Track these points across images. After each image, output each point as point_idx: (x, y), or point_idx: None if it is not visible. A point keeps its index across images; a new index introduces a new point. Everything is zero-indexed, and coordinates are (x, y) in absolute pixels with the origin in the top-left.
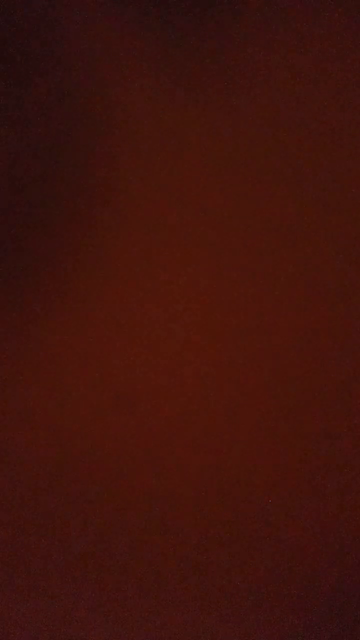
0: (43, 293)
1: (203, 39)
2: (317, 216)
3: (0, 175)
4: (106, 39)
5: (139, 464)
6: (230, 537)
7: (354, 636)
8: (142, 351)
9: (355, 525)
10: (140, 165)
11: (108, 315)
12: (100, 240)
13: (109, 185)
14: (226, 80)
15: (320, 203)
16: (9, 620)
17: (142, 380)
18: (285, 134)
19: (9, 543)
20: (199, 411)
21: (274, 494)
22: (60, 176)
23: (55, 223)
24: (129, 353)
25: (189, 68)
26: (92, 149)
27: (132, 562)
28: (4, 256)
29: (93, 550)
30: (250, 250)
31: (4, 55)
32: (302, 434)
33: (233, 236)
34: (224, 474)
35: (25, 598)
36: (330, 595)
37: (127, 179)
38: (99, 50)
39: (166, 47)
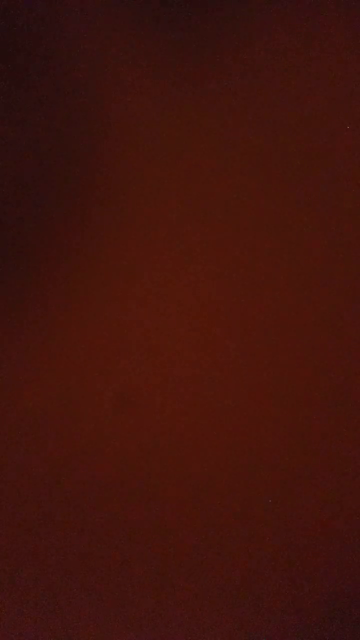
0: (43, 293)
1: (203, 38)
2: (317, 216)
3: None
4: (106, 39)
5: (139, 463)
6: (231, 537)
7: (354, 636)
8: (142, 351)
9: (356, 525)
10: (140, 165)
11: (108, 315)
12: (100, 240)
13: (109, 185)
14: (226, 80)
15: (321, 203)
16: (9, 621)
17: (143, 380)
18: (286, 134)
19: (8, 544)
20: (200, 411)
21: (274, 493)
22: (60, 176)
23: (55, 223)
24: (129, 353)
25: (189, 68)
26: (92, 148)
27: (132, 562)
28: (4, 256)
29: (93, 550)
30: (250, 249)
31: (4, 55)
32: (302, 435)
33: (233, 235)
34: (224, 474)
35: (25, 599)
36: (330, 595)
37: (127, 178)
38: (99, 50)
39: (166, 47)
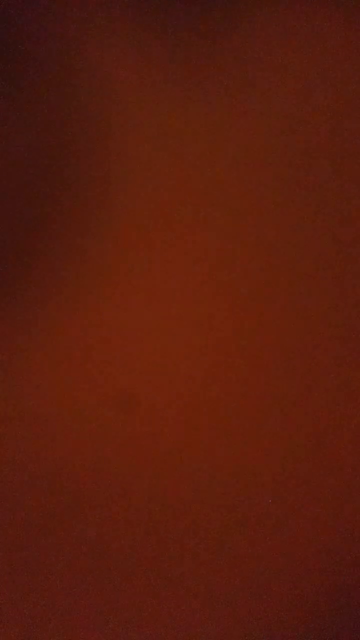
0: (43, 293)
1: (204, 39)
2: (318, 218)
3: None
4: (107, 39)
5: (139, 464)
6: (230, 537)
7: (354, 636)
8: (143, 351)
9: (356, 525)
10: (140, 165)
11: (109, 315)
12: (100, 240)
13: (109, 185)
14: (227, 81)
15: (322, 205)
16: (8, 623)
17: (143, 380)
18: (286, 135)
19: (7, 546)
20: (200, 411)
21: (274, 494)
22: (59, 176)
23: (55, 223)
24: (129, 353)
25: (190, 69)
26: (92, 149)
27: (132, 562)
28: (4, 256)
29: (93, 551)
30: (251, 250)
31: (4, 55)
32: (302, 436)
33: (235, 236)
34: (224, 475)
35: (25, 600)
36: (330, 595)
37: (127, 179)
38: (99, 50)
39: (167, 48)
